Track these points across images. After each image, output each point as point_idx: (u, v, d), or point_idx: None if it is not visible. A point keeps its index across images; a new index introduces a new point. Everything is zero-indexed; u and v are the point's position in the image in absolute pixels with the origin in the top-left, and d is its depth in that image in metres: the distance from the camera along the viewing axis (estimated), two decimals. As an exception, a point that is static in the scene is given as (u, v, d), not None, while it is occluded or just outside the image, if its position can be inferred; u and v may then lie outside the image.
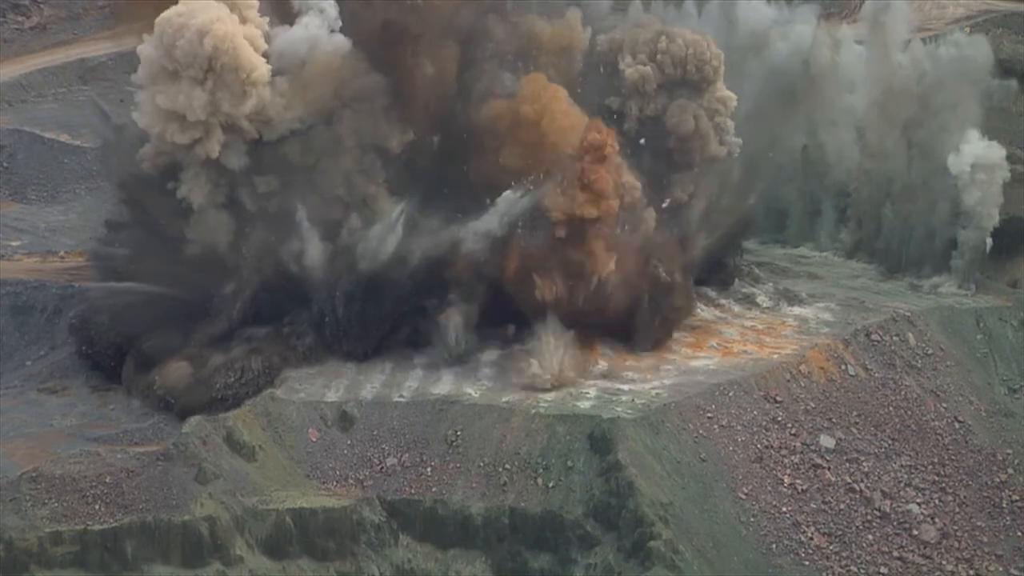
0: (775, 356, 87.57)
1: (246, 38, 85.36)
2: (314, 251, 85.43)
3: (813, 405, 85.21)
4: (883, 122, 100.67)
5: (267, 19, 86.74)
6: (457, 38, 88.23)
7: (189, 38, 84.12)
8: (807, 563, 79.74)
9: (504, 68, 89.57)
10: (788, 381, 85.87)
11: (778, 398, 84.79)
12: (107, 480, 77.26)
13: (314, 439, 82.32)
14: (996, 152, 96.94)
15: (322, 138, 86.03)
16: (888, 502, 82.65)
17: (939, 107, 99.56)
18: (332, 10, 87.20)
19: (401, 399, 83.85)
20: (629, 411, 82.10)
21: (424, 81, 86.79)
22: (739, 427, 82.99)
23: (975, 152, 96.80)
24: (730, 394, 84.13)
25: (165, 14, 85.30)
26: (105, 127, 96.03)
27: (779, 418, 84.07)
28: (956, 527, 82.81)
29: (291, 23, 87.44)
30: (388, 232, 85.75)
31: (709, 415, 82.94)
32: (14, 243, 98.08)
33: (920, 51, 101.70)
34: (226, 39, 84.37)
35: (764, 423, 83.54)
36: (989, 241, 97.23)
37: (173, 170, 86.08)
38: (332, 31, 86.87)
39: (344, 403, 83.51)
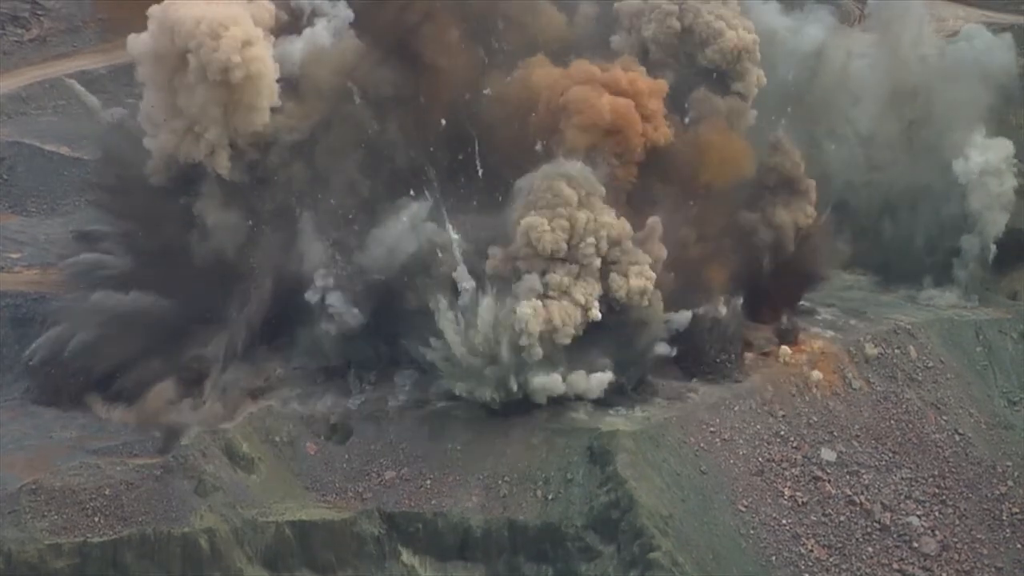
0: (779, 363, 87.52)
1: (260, 37, 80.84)
2: (317, 257, 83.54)
3: (816, 419, 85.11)
4: (888, 125, 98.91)
5: (272, 39, 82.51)
6: (471, 29, 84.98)
7: (201, 37, 79.68)
8: (807, 575, 79.67)
9: (513, 57, 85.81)
10: (792, 395, 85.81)
11: (781, 412, 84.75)
12: (107, 492, 77.19)
13: (312, 452, 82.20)
14: (1005, 154, 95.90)
15: (326, 146, 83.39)
16: (888, 514, 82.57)
17: (946, 104, 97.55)
18: (345, 13, 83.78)
19: (399, 408, 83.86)
20: (629, 423, 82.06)
21: (439, 74, 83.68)
22: (741, 440, 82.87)
23: (984, 155, 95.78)
24: (735, 408, 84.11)
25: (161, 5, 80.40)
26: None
27: (782, 432, 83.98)
28: (956, 539, 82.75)
29: (299, 32, 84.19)
30: (400, 236, 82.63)
31: (712, 429, 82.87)
32: (14, 255, 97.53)
33: (931, 45, 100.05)
34: (248, 44, 79.88)
35: (766, 437, 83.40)
36: (993, 248, 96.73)
37: (183, 181, 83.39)
38: (339, 38, 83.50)
39: (342, 415, 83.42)
